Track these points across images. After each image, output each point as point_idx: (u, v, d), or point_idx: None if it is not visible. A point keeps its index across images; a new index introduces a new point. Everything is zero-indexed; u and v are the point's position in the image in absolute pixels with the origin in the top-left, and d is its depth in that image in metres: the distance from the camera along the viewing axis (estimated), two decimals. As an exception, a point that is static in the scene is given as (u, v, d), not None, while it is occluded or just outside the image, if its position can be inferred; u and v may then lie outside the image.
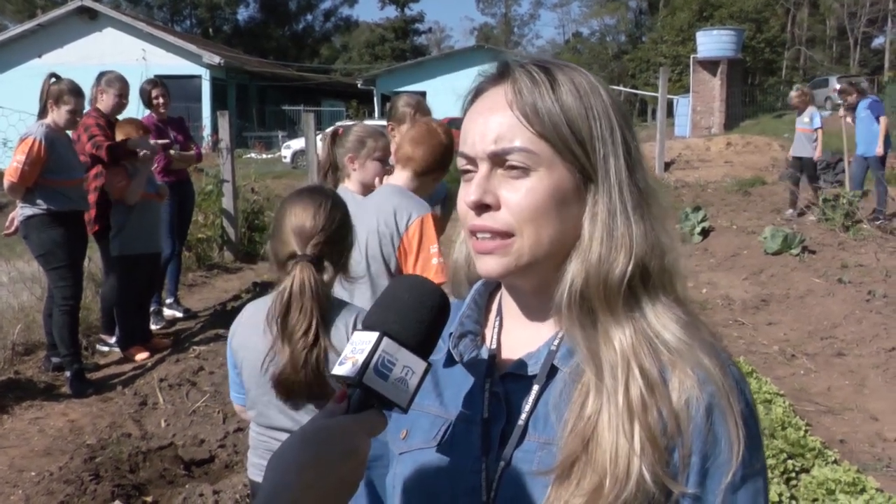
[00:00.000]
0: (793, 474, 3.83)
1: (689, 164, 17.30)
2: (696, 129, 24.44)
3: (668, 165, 16.42)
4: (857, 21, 46.62)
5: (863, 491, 3.54)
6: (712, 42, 25.17)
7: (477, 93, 1.02)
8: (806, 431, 4.29)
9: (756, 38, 39.12)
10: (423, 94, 24.34)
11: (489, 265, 0.97)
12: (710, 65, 24.88)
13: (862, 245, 9.37)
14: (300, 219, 2.14)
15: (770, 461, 3.82)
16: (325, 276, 2.12)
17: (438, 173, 3.18)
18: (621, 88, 39.29)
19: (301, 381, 2.11)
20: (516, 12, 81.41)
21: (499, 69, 1.00)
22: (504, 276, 0.98)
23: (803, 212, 11.33)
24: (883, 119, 10.73)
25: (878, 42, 51.64)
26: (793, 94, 11.77)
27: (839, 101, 11.53)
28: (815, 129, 11.19)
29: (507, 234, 0.95)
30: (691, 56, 26.43)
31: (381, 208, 3.00)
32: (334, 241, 2.15)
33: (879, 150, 10.72)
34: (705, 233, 11.03)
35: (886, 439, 4.72)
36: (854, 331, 6.71)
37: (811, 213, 11.13)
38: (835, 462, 3.95)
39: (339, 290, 2.34)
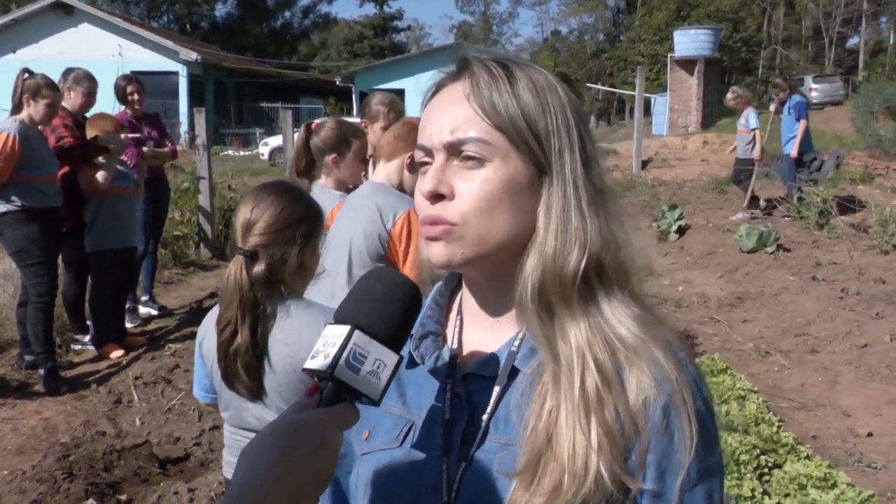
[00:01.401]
0: (765, 470, 3.87)
1: (665, 163, 17.39)
2: (674, 127, 24.59)
3: (645, 164, 16.50)
4: (832, 21, 47.11)
5: (834, 486, 3.58)
6: (689, 41, 25.31)
7: (437, 88, 1.02)
8: (779, 427, 4.33)
9: (733, 38, 39.45)
10: (402, 91, 24.34)
11: (436, 252, 0.97)
12: (688, 64, 25.03)
13: (836, 243, 9.47)
14: (243, 213, 2.13)
15: (743, 457, 3.86)
16: (256, 269, 2.07)
17: (409, 148, 3.07)
18: (599, 87, 39.46)
19: (226, 375, 2.11)
20: (495, 10, 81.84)
21: (458, 65, 1.01)
22: (452, 266, 0.98)
23: (769, 210, 11.42)
24: (802, 122, 10.72)
25: (852, 42, 52.29)
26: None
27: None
28: (751, 131, 11.16)
29: (456, 224, 0.95)
30: (668, 55, 26.58)
31: (366, 206, 2.99)
32: (275, 234, 2.09)
33: (794, 151, 10.78)
34: (682, 231, 11.11)
35: (858, 435, 4.78)
36: (827, 328, 6.78)
37: (777, 210, 11.23)
38: (807, 457, 3.99)
39: (308, 290, 2.31)
